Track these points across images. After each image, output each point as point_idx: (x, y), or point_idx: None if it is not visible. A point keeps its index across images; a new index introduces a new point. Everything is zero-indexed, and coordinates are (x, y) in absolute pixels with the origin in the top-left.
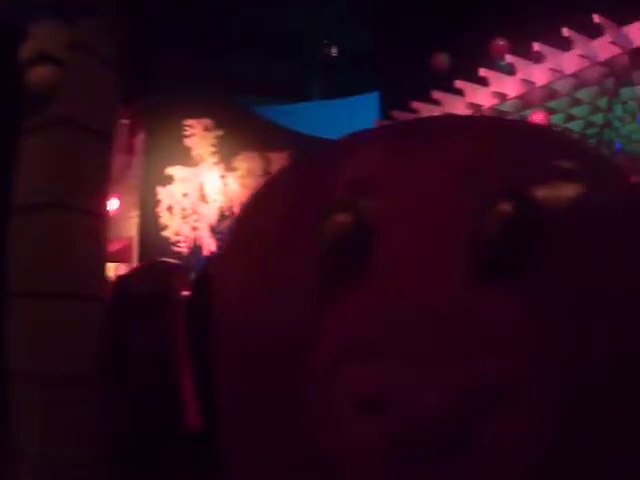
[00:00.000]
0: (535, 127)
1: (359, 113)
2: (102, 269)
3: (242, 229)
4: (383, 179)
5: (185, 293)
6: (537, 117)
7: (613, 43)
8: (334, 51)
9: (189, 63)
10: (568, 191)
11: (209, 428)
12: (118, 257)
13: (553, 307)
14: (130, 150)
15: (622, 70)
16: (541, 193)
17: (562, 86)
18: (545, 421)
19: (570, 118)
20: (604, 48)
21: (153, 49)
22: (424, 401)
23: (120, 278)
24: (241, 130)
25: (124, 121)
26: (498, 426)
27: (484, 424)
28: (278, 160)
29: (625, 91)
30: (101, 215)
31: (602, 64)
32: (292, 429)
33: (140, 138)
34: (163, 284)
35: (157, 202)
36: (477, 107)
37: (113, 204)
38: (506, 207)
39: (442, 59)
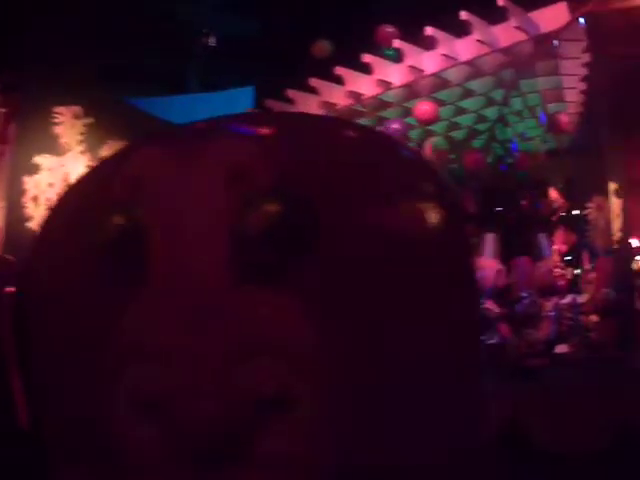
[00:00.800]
0: (335, 123)
1: (235, 106)
2: None
3: (46, 226)
4: (155, 179)
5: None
6: (423, 108)
7: (518, 28)
8: (212, 40)
9: (64, 49)
10: (350, 193)
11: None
12: None
13: (329, 310)
14: (4, 139)
15: (524, 59)
16: (319, 194)
17: (454, 75)
18: (324, 431)
19: (460, 111)
20: (506, 34)
21: (27, 34)
22: (196, 407)
23: None
24: (111, 119)
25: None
26: (276, 435)
27: (262, 433)
28: None
29: (525, 83)
30: None
31: (502, 51)
32: (92, 428)
33: (14, 126)
34: None
35: (24, 192)
36: (357, 96)
37: None
38: (269, 205)
39: (323, 47)
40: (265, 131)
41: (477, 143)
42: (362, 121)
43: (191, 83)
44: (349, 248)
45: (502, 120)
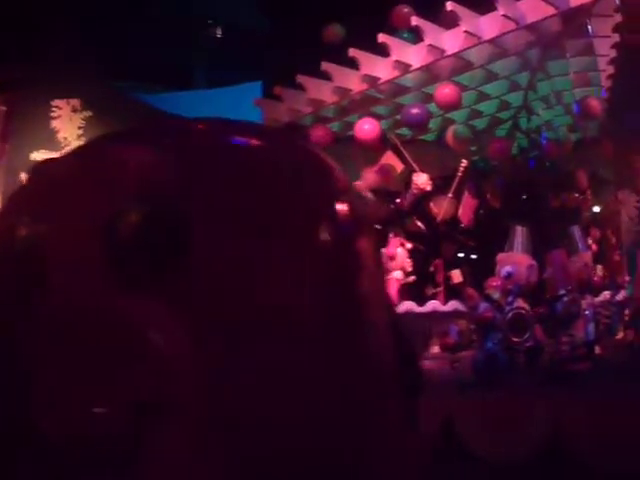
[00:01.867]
0: (249, 133)
1: (244, 101)
2: None
3: None
4: (60, 189)
5: None
6: (444, 91)
7: (546, 1)
8: (218, 32)
9: (63, 43)
10: (222, 196)
11: None
12: None
13: (207, 319)
14: (4, 138)
15: (552, 37)
16: (197, 205)
17: (476, 56)
18: (207, 439)
19: (483, 97)
20: (533, 9)
21: (24, 29)
22: (83, 413)
23: None
24: (112, 112)
25: (1, 107)
26: (160, 440)
27: (147, 438)
28: None
29: (554, 64)
30: None
31: (529, 28)
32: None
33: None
34: None
35: None
36: (373, 80)
37: None
38: (136, 211)
39: (335, 31)
40: (147, 140)
41: (499, 133)
42: (378, 109)
43: (197, 77)
44: (224, 260)
45: (526, 107)
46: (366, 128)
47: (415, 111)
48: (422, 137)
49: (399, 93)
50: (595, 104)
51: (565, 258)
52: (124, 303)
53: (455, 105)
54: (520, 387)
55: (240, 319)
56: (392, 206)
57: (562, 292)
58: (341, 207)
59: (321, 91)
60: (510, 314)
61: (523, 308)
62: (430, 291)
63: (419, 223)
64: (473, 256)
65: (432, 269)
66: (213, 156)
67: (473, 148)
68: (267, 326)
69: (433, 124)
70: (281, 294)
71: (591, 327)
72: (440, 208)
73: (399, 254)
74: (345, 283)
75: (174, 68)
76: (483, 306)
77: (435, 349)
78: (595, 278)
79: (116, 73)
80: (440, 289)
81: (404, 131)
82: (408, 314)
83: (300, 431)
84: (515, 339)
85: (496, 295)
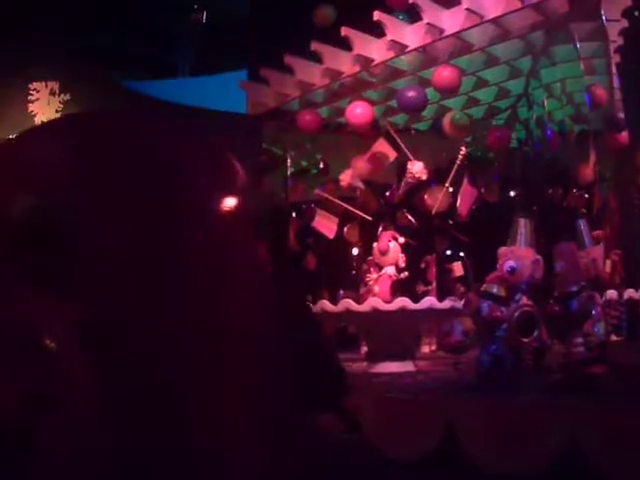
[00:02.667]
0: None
1: (229, 90)
2: None
3: None
4: None
5: None
6: (443, 74)
7: None
8: (204, 17)
9: (43, 26)
10: (114, 193)
11: None
12: None
13: (93, 316)
14: None
15: (558, 18)
16: (79, 193)
17: (477, 37)
18: (94, 438)
19: (481, 83)
20: None
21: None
22: None
23: None
24: (91, 96)
25: None
26: (53, 432)
27: (43, 429)
28: None
29: (559, 50)
30: None
31: (534, 8)
32: None
33: None
34: None
35: None
36: (367, 61)
37: None
38: (13, 210)
39: (326, 12)
40: (45, 135)
41: (497, 123)
42: (371, 94)
43: (183, 64)
44: (112, 257)
45: (527, 95)
46: (358, 112)
47: (412, 94)
48: (415, 126)
49: (393, 76)
50: (601, 93)
51: (576, 251)
52: (16, 298)
53: (454, 88)
54: (530, 391)
55: (127, 316)
56: (382, 200)
57: (574, 288)
58: (224, 206)
59: (310, 73)
60: (517, 312)
61: (531, 306)
62: (421, 289)
63: (409, 217)
64: (461, 254)
65: (423, 265)
66: (108, 152)
67: (468, 139)
68: (152, 322)
69: (427, 112)
70: (164, 290)
71: (601, 327)
72: (435, 200)
73: (392, 248)
74: (215, 279)
75: (159, 55)
76: (487, 305)
77: (426, 348)
78: (604, 275)
79: (102, 61)
80: (432, 287)
81: (397, 119)
82: (402, 311)
83: (186, 429)
84: (523, 339)
85: (494, 289)
